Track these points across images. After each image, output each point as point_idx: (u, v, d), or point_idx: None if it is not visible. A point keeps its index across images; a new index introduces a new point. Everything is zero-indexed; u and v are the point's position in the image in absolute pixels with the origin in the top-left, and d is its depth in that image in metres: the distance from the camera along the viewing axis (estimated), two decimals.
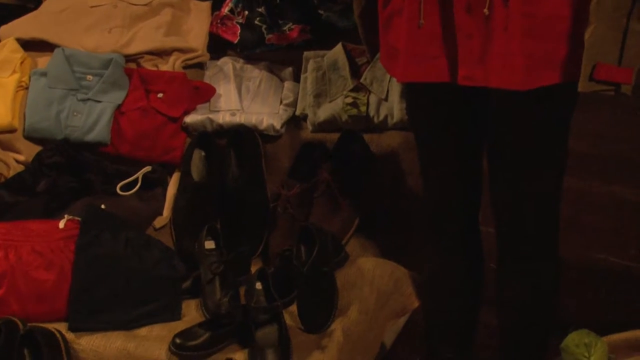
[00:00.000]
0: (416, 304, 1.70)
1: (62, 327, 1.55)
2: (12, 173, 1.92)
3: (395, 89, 1.85)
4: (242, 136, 1.91)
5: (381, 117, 1.87)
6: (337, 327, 1.53)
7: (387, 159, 1.87)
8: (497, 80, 1.31)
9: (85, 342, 1.53)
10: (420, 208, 1.66)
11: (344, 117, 1.90)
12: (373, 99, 1.88)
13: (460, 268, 1.63)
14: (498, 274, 1.57)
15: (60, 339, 1.51)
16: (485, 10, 1.26)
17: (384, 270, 1.68)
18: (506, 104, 1.38)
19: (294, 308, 1.57)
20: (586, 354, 1.22)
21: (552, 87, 1.30)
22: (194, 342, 1.49)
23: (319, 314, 1.55)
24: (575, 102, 1.39)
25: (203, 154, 1.93)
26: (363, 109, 1.88)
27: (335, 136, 1.90)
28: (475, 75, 1.33)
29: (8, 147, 1.97)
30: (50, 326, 1.54)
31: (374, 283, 1.64)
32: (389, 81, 1.87)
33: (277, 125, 1.93)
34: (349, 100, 1.89)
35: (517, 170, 1.44)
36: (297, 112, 1.98)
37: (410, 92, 1.59)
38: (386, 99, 1.87)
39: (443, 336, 1.69)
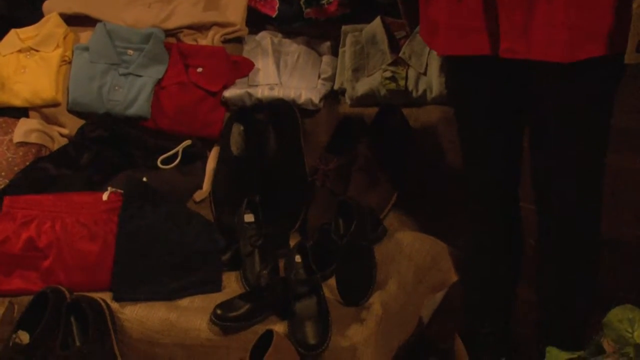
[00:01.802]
0: (454, 278, 1.70)
1: (106, 296, 1.59)
2: (56, 146, 1.96)
3: (435, 63, 1.84)
4: (280, 110, 1.92)
5: (420, 92, 1.86)
6: (376, 301, 1.54)
7: (425, 134, 1.86)
8: (540, 52, 1.30)
9: (129, 312, 1.57)
10: (459, 183, 1.65)
11: (383, 92, 1.89)
12: (412, 73, 1.87)
13: (499, 243, 1.63)
14: (537, 251, 1.56)
15: (105, 308, 1.54)
16: None
17: (423, 244, 1.68)
18: (548, 77, 1.37)
19: (332, 282, 1.58)
20: (629, 330, 1.21)
21: (596, 60, 1.29)
22: (234, 313, 1.51)
23: (358, 288, 1.56)
24: (620, 75, 1.37)
25: (242, 128, 1.94)
26: (402, 83, 1.87)
27: (373, 111, 1.90)
28: (517, 48, 1.31)
29: (52, 121, 2.01)
30: (96, 295, 1.57)
31: (412, 257, 1.65)
32: (428, 55, 1.85)
33: (316, 100, 1.93)
34: (388, 74, 1.88)
35: (558, 146, 1.42)
36: (335, 87, 1.98)
37: (450, 65, 1.58)
38: (425, 73, 1.85)
39: (481, 311, 1.69)
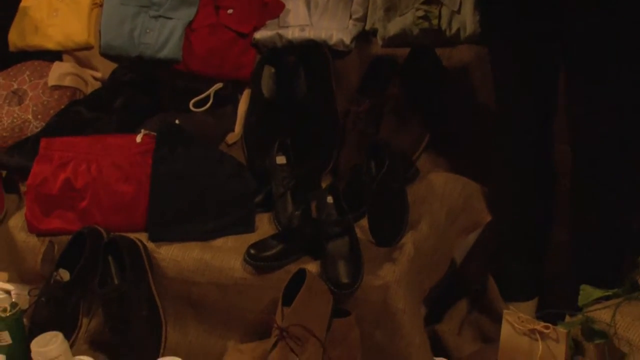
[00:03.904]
0: (488, 219, 1.70)
1: (143, 237, 1.62)
2: (90, 90, 1.98)
3: (469, 1, 1.79)
4: (311, 52, 1.90)
5: (453, 31, 1.82)
6: (408, 241, 1.54)
7: (459, 74, 1.83)
8: None
9: (165, 252, 1.60)
10: (493, 123, 1.63)
11: (415, 31, 1.86)
12: (445, 11, 1.82)
13: (532, 183, 1.62)
14: (571, 192, 1.55)
15: (141, 247, 1.57)
16: None
17: (455, 185, 1.67)
18: (587, 11, 1.33)
19: (364, 222, 1.58)
20: None
21: None
22: (267, 253, 1.52)
23: (390, 229, 1.56)
24: None
25: (273, 70, 1.93)
26: (435, 22, 1.83)
27: (405, 51, 1.86)
28: None
29: (86, 64, 2.03)
30: (132, 236, 1.60)
31: (444, 198, 1.64)
32: None
33: (347, 40, 1.91)
34: (420, 13, 1.84)
35: (596, 83, 1.39)
36: (367, 27, 1.95)
37: (485, 1, 1.54)
38: (459, 12, 1.81)
39: (514, 252, 1.68)
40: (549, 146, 1.60)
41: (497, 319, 1.41)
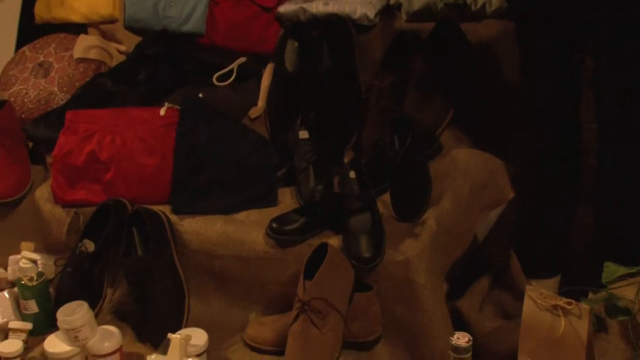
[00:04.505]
0: (511, 195, 1.69)
1: (166, 209, 1.63)
2: (114, 63, 1.99)
3: None
4: (335, 26, 1.89)
5: (479, 5, 1.80)
6: (430, 217, 1.53)
7: (484, 49, 1.81)
8: None
9: (188, 224, 1.61)
10: (518, 99, 1.61)
11: (440, 5, 1.84)
12: None
13: (557, 161, 1.60)
14: (598, 171, 1.53)
15: (164, 219, 1.59)
16: None
17: (479, 161, 1.66)
18: None
19: (386, 197, 1.58)
20: None
21: None
22: (289, 227, 1.53)
23: (412, 204, 1.55)
24: None
25: (296, 44, 1.92)
26: None
27: (430, 26, 1.85)
28: None
29: (110, 38, 2.04)
30: (156, 208, 1.62)
31: (467, 174, 1.63)
32: None
33: (371, 15, 1.90)
34: None
35: (623, 62, 1.38)
36: (391, 1, 1.93)
37: None
38: None
39: (537, 228, 1.67)
40: (575, 124, 1.58)
41: (519, 296, 1.40)
